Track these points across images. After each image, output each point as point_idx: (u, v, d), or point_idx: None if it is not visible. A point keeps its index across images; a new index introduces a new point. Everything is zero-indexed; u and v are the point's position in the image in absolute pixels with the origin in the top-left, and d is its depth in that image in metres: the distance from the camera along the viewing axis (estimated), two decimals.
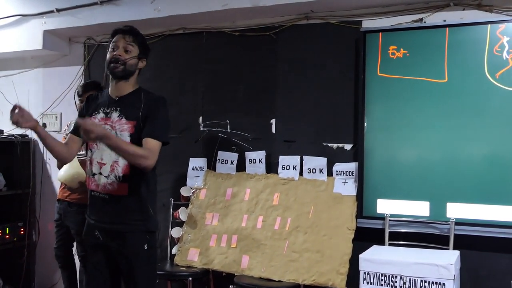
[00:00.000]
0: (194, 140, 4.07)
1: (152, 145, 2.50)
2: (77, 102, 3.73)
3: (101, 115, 2.63)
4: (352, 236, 3.35)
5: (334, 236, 3.39)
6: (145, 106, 2.59)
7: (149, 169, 2.52)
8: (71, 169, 3.65)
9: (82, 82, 4.47)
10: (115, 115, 2.60)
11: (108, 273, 2.64)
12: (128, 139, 2.55)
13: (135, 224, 2.58)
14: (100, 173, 2.58)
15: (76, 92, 3.84)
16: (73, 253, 3.97)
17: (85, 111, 2.72)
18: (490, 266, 3.21)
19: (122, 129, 2.56)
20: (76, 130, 2.65)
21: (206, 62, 4.11)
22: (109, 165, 2.57)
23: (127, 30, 2.65)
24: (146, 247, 2.59)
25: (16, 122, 2.37)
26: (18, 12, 4.47)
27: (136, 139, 2.55)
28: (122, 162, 2.56)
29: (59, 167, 3.76)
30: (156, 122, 2.56)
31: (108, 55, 2.64)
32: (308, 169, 3.64)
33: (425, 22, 3.41)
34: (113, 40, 2.64)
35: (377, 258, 2.96)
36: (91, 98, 2.78)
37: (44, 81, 4.80)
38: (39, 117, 4.76)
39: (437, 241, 3.20)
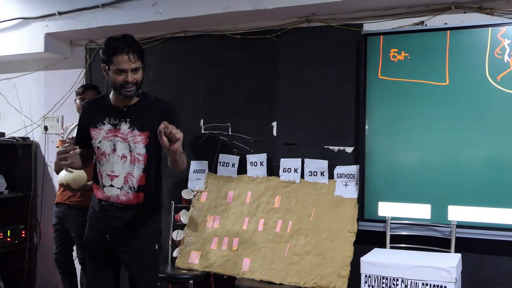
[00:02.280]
0: (196, 143, 4.07)
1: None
2: (77, 101, 3.73)
3: (108, 126, 2.58)
4: (353, 239, 3.35)
5: (335, 239, 3.38)
6: (158, 117, 2.52)
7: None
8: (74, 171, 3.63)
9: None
10: (125, 127, 2.56)
11: (109, 275, 2.65)
12: (143, 150, 2.56)
13: (149, 228, 2.63)
14: (112, 185, 2.56)
15: (75, 91, 3.85)
16: (73, 257, 3.93)
17: (84, 120, 2.66)
18: (492, 269, 3.21)
19: (136, 141, 2.55)
20: (85, 143, 2.63)
21: (207, 65, 4.12)
22: (122, 177, 2.56)
23: (130, 48, 2.43)
24: (156, 247, 2.65)
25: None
26: (20, 15, 4.47)
27: (151, 150, 2.56)
28: (136, 173, 2.57)
29: (57, 171, 3.73)
30: None
31: (114, 78, 2.46)
32: (309, 172, 3.64)
33: (426, 25, 3.40)
34: (114, 60, 2.42)
35: (378, 261, 2.95)
36: (88, 106, 2.70)
37: (46, 84, 4.81)
38: (40, 120, 4.77)
39: (439, 244, 3.20)
